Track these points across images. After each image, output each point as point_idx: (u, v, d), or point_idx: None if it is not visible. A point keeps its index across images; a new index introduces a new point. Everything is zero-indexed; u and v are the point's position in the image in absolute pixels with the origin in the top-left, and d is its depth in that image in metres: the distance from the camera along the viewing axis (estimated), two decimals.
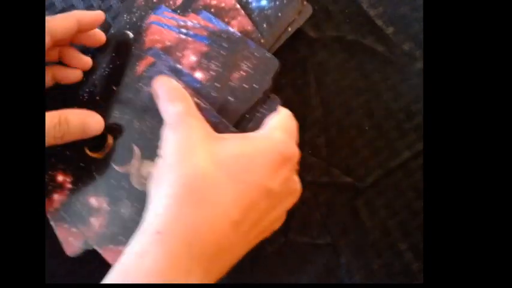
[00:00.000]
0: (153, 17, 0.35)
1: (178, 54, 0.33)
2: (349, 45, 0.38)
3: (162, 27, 0.34)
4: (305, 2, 0.35)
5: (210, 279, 0.26)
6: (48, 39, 0.30)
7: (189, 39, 0.33)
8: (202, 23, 0.34)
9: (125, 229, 0.32)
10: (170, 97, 0.30)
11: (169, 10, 0.35)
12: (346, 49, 0.38)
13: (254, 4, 0.35)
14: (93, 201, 0.33)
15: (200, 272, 0.25)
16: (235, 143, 0.29)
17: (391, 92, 0.37)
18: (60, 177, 0.34)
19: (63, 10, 0.38)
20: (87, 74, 0.35)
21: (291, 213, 0.35)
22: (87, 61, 0.34)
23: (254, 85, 0.32)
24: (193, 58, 0.33)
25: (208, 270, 0.26)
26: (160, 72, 0.32)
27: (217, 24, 0.34)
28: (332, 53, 0.38)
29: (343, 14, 0.38)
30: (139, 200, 0.32)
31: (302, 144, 0.36)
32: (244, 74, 0.33)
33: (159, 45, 0.34)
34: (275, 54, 0.33)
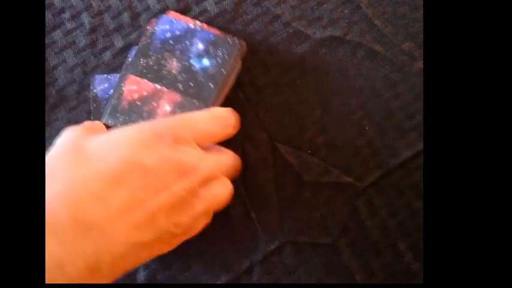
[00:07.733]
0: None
1: (154, 104, 0.34)
2: (349, 44, 0.38)
3: (140, 79, 0.35)
4: (237, 40, 0.35)
5: (85, 265, 0.24)
6: None
7: (164, 89, 0.34)
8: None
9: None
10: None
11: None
12: (346, 49, 0.38)
13: (198, 66, 0.35)
14: None
15: (60, 249, 0.24)
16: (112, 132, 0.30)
17: (391, 91, 0.37)
18: None
19: (62, 10, 0.38)
20: None
21: (291, 214, 0.35)
22: None
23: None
24: (167, 108, 0.34)
25: (74, 252, 0.24)
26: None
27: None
28: (331, 53, 0.38)
29: (342, 13, 0.38)
30: None
31: (302, 144, 0.36)
32: None
33: (136, 96, 0.34)
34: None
